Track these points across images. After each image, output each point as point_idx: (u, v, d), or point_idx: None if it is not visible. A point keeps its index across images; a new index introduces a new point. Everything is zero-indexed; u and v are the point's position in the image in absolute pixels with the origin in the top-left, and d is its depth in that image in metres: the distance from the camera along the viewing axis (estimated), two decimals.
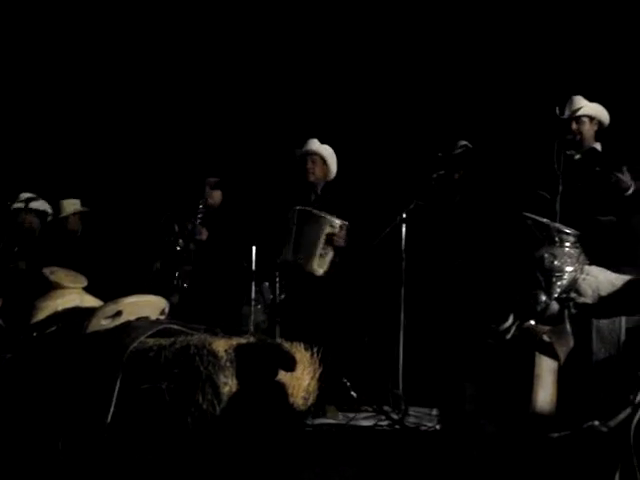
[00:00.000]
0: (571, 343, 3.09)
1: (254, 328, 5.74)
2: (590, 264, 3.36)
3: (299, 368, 4.17)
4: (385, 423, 4.56)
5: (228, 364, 3.83)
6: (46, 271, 4.43)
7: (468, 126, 6.23)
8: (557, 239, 3.33)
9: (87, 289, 4.58)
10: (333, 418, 4.91)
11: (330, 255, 5.29)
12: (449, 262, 5.44)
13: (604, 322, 3.08)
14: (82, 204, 6.66)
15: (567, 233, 3.35)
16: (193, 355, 3.83)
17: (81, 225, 6.61)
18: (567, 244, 3.33)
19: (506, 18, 6.34)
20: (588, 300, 3.19)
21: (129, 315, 4.12)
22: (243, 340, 4.04)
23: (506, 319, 3.18)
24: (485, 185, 5.74)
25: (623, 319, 3.05)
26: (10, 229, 6.37)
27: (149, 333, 4.00)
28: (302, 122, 6.62)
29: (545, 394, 2.99)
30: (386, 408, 4.81)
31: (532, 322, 3.18)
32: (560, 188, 4.88)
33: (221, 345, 3.88)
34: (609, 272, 3.32)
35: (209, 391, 3.78)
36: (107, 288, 4.79)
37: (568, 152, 5.03)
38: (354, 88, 6.87)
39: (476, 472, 3.04)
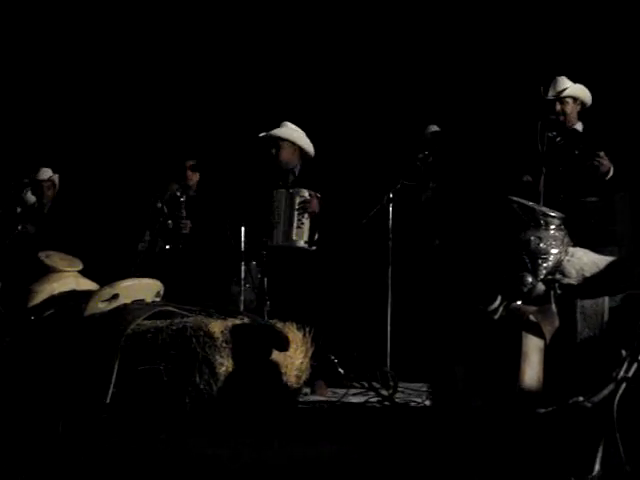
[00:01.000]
0: (556, 323, 3.19)
1: (244, 308, 5.82)
2: (574, 246, 3.47)
3: (292, 347, 4.29)
4: (375, 400, 4.67)
5: (224, 345, 3.95)
6: (41, 255, 4.50)
7: (451, 107, 6.32)
8: (542, 222, 3.42)
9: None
10: (322, 395, 5.03)
11: (307, 224, 5.42)
12: (430, 242, 5.55)
13: (588, 302, 3.18)
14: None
15: (552, 216, 3.44)
16: (190, 337, 3.94)
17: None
18: (552, 227, 3.42)
19: None
20: (573, 281, 3.30)
21: (125, 298, 4.20)
22: (238, 321, 4.15)
23: (494, 300, 3.29)
24: (464, 167, 5.84)
25: (606, 299, 3.15)
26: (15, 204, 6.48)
27: (146, 315, 4.09)
28: (286, 103, 6.65)
29: (532, 372, 3.11)
30: (375, 385, 4.92)
31: (519, 303, 3.29)
32: (543, 169, 4.98)
33: (217, 326, 3.98)
34: (593, 254, 3.43)
35: (206, 371, 3.89)
36: (96, 269, 4.87)
37: (550, 134, 5.12)
38: (338, 69, 6.90)
39: (465, 448, 3.16)
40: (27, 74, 7.70)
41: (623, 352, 2.94)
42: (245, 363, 4.02)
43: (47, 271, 4.45)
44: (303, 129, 5.67)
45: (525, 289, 3.30)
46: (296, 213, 5.42)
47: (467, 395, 3.19)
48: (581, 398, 2.92)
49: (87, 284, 4.48)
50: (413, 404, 4.54)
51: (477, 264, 3.78)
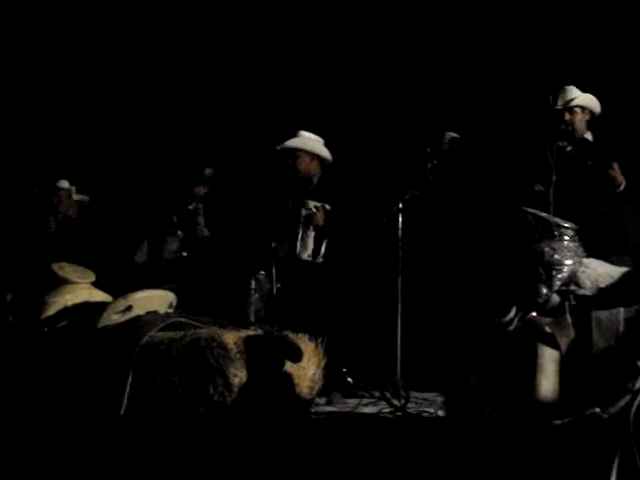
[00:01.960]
0: (572, 334, 3.19)
1: (253, 318, 5.84)
2: (587, 257, 3.48)
3: (304, 359, 4.29)
4: (388, 410, 4.67)
5: (238, 356, 3.95)
6: (54, 266, 4.52)
7: (461, 116, 6.32)
8: (556, 233, 3.43)
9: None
10: (338, 405, 5.04)
11: (311, 237, 5.43)
12: (441, 253, 5.55)
13: (603, 313, 3.18)
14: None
15: (566, 227, 3.45)
16: (203, 348, 3.94)
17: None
18: (566, 238, 3.43)
19: (498, 7, 6.41)
20: (587, 292, 3.30)
21: (139, 309, 4.21)
22: (251, 332, 4.16)
23: (509, 311, 3.29)
24: (476, 177, 5.85)
25: (621, 310, 3.15)
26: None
27: (159, 327, 4.10)
28: (300, 113, 6.67)
29: (548, 383, 3.11)
30: (387, 394, 4.93)
31: (534, 314, 3.29)
32: (554, 179, 4.99)
33: (230, 338, 3.99)
34: (607, 264, 3.44)
35: (220, 382, 3.89)
36: (106, 281, 4.88)
37: (560, 143, 5.14)
38: (350, 79, 6.91)
39: (480, 459, 3.16)
40: (44, 86, 7.73)
41: (639, 363, 2.95)
42: (258, 374, 4.02)
43: (60, 283, 4.46)
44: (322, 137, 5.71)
45: (540, 300, 3.30)
46: (300, 225, 5.43)
47: (482, 406, 3.19)
48: (597, 409, 2.93)
49: (100, 296, 4.49)
50: (425, 414, 4.54)
51: (492, 275, 3.79)
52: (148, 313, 4.22)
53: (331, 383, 4.73)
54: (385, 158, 6.50)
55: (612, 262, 3.58)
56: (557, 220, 3.52)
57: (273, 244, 5.59)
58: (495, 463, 3.14)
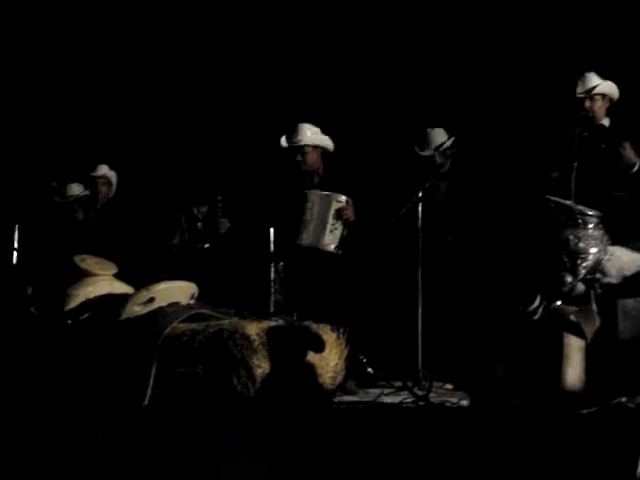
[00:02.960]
0: (597, 322, 3.18)
1: (273, 309, 5.84)
2: (612, 244, 3.46)
3: (326, 349, 4.29)
4: (410, 400, 4.67)
5: (260, 347, 3.95)
6: (76, 259, 4.54)
7: (477, 106, 6.29)
8: (580, 221, 3.41)
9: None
10: (353, 392, 5.04)
11: (340, 230, 5.43)
12: (463, 242, 5.52)
13: (629, 301, 3.17)
14: None
15: (590, 215, 3.43)
16: (226, 339, 3.95)
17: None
18: (590, 226, 3.41)
19: None
20: (613, 280, 3.29)
21: (161, 301, 4.22)
22: (273, 323, 4.16)
23: (533, 300, 3.28)
24: (496, 165, 5.82)
25: None
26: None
27: (182, 318, 4.11)
28: (310, 102, 6.65)
29: (574, 372, 3.10)
30: (409, 384, 4.93)
31: (559, 303, 3.28)
32: (575, 166, 4.97)
33: (253, 329, 3.99)
34: (632, 252, 3.41)
35: (243, 373, 3.90)
36: (129, 272, 4.89)
37: (579, 130, 5.13)
38: (362, 67, 6.88)
39: (506, 449, 3.16)
40: (86, 76, 7.76)
41: None
42: (281, 365, 4.03)
43: (82, 275, 4.48)
44: (328, 128, 5.69)
45: (565, 289, 3.29)
46: (331, 217, 5.43)
47: (507, 396, 3.18)
48: (624, 399, 2.92)
49: (122, 288, 4.51)
50: (448, 404, 4.53)
51: (516, 264, 3.77)
52: (170, 305, 4.22)
53: (349, 372, 4.73)
54: (404, 147, 6.47)
55: (634, 249, 3.56)
56: (581, 208, 3.50)
57: (290, 235, 5.59)
58: (520, 453, 3.13)
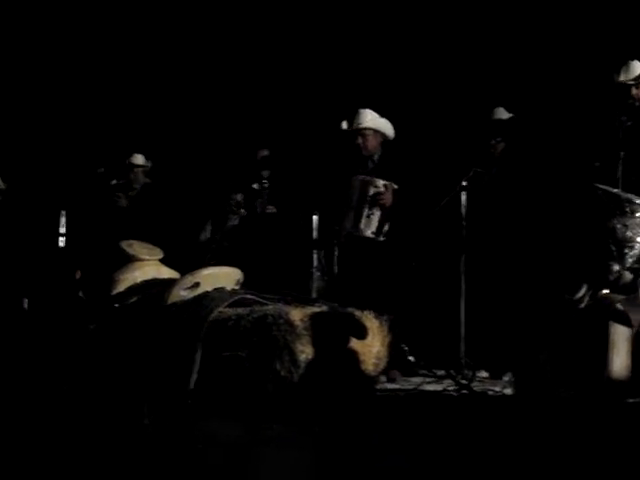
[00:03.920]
0: None
1: (315, 295, 5.87)
2: None
3: (369, 336, 4.29)
4: (452, 388, 4.67)
5: (304, 332, 3.96)
6: (123, 244, 4.58)
7: (523, 94, 6.25)
8: (628, 209, 3.39)
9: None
10: (400, 382, 5.06)
11: (377, 215, 5.43)
12: (507, 231, 5.48)
13: None
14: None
15: (638, 203, 3.41)
16: (270, 324, 3.96)
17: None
18: (638, 214, 3.39)
19: None
20: None
21: (206, 286, 4.25)
22: (316, 309, 4.16)
23: (579, 289, 3.27)
24: (541, 153, 5.77)
25: None
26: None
27: (227, 303, 4.13)
28: (358, 91, 6.66)
29: (620, 361, 3.08)
30: (452, 373, 4.93)
31: (605, 291, 3.26)
32: (622, 154, 4.93)
33: (296, 314, 4.00)
34: None
35: (287, 358, 3.91)
36: (173, 258, 4.94)
37: (622, 118, 5.08)
38: (409, 56, 6.88)
39: (552, 438, 3.15)
40: (126, 69, 7.87)
41: None
42: (324, 350, 4.04)
43: (129, 260, 4.52)
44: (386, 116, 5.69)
45: (612, 277, 3.27)
46: (367, 203, 5.43)
47: (553, 385, 3.18)
48: None
49: (168, 273, 4.54)
50: (491, 393, 4.53)
51: (562, 252, 3.75)
52: (215, 289, 4.25)
53: (391, 361, 4.74)
54: (448, 136, 6.45)
55: None
56: (629, 196, 3.48)
57: (335, 222, 5.61)
58: (564, 442, 3.12)
